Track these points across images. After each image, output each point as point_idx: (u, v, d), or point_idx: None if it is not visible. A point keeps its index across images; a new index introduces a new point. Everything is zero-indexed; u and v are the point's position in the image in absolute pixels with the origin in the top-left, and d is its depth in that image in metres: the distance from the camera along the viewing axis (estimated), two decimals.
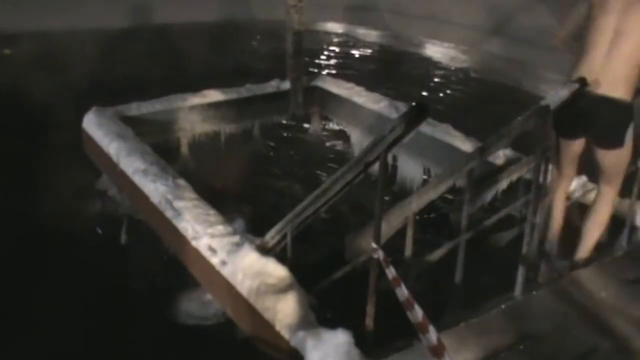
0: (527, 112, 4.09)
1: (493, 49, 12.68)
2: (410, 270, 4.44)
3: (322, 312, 3.88)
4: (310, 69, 9.71)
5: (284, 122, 7.76)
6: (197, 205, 4.75)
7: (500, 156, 5.72)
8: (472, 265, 4.53)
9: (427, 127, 6.31)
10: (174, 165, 5.72)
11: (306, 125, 7.96)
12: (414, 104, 3.19)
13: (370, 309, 3.51)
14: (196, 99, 6.99)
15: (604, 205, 4.69)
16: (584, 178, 5.48)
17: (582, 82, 4.30)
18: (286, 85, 7.56)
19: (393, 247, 4.11)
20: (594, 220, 4.73)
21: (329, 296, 4.21)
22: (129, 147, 5.63)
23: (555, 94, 4.24)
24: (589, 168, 5.59)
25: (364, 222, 4.52)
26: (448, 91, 10.70)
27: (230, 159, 6.86)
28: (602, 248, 5.15)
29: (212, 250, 4.24)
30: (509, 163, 5.56)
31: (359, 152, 3.59)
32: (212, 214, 4.64)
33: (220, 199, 5.29)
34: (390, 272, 3.32)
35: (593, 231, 4.74)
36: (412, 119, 3.11)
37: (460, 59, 12.64)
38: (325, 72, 10.74)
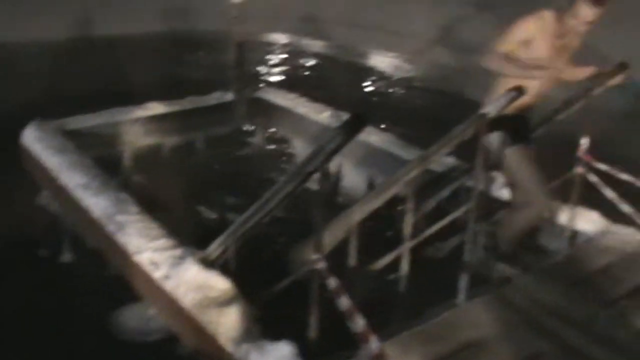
0: (466, 120, 4.16)
1: (437, 58, 12.86)
2: (353, 280, 4.47)
3: (265, 324, 3.89)
4: (254, 80, 9.69)
5: (228, 134, 7.71)
6: (139, 219, 4.72)
7: (442, 164, 5.80)
8: (416, 274, 4.59)
9: (371, 137, 6.37)
10: (117, 179, 5.66)
11: (250, 137, 7.94)
12: (352, 114, 3.22)
13: (312, 320, 3.53)
14: (139, 112, 6.96)
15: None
16: None
17: (519, 90, 4.40)
18: (229, 97, 7.56)
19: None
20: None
21: (273, 308, 4.22)
22: (69, 161, 5.57)
23: (493, 103, 4.32)
24: None
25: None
26: (391, 100, 10.79)
27: (174, 172, 6.81)
28: (543, 252, 5.28)
29: (155, 264, 4.21)
30: (451, 170, 5.64)
31: (299, 163, 3.61)
32: (155, 228, 4.61)
33: (163, 212, 5.27)
34: (332, 282, 3.34)
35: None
36: (351, 128, 3.14)
37: (405, 69, 12.78)
38: (269, 83, 10.78)
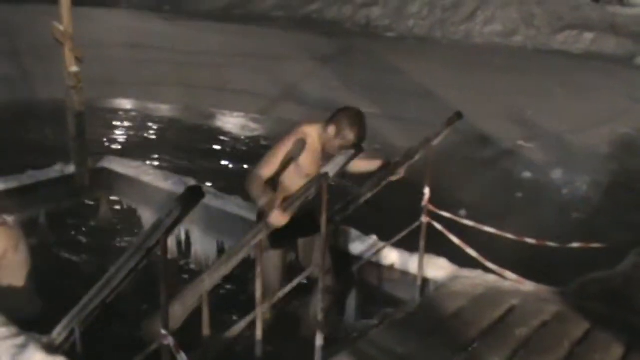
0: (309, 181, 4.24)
1: (284, 114, 13.07)
2: (207, 351, 4.41)
3: None
4: (97, 150, 9.47)
5: (72, 208, 7.47)
6: None
7: None
8: (272, 337, 4.58)
9: (217, 201, 6.36)
10: None
11: (95, 210, 7.73)
12: (188, 187, 3.23)
13: None
14: None
15: None
16: (374, 237, 5.73)
17: (357, 148, 4.55)
18: (71, 169, 7.34)
19: None
20: None
21: None
22: None
23: (333, 161, 4.45)
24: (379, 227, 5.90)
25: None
26: (238, 159, 10.84)
27: None
28: (396, 303, 5.40)
29: None
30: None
31: (137, 238, 3.55)
32: None
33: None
34: (182, 358, 3.28)
35: None
36: (188, 201, 3.14)
37: (251, 127, 12.90)
38: (112, 151, 10.56)
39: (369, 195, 5.25)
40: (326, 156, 4.78)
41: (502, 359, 4.19)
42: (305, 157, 4.72)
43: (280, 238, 4.81)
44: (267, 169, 4.65)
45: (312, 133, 4.74)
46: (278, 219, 4.25)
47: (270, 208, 4.31)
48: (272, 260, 5.06)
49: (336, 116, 4.72)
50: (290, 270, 5.18)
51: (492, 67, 15.68)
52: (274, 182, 4.78)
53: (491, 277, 5.26)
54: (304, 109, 13.02)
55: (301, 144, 4.68)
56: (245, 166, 10.27)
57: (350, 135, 4.64)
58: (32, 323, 4.82)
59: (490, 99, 12.67)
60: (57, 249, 7.02)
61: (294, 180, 4.73)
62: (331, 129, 4.67)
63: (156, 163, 7.81)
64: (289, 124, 12.33)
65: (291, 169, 4.73)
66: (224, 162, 10.80)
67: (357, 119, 4.69)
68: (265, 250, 4.71)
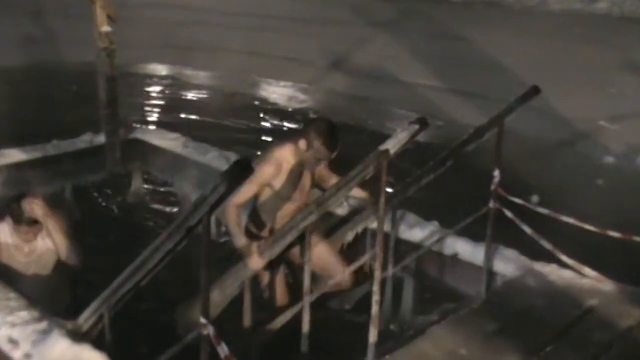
0: (366, 158, 4.20)
1: (334, 85, 13.02)
2: (248, 343, 4.42)
3: None
4: (129, 119, 9.54)
5: (101, 181, 7.54)
6: None
7: (344, 206, 5.83)
8: (319, 330, 4.57)
9: None
10: None
11: (126, 185, 7.80)
12: (236, 160, 3.21)
13: None
14: None
15: None
16: (435, 224, 5.68)
17: (422, 122, 4.49)
18: (101, 139, 7.40)
19: None
20: None
21: None
22: None
23: (394, 137, 4.39)
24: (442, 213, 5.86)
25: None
26: (285, 136, 10.83)
27: None
28: (459, 299, 5.35)
29: (13, 342, 4.03)
30: (354, 213, 5.67)
31: (179, 216, 3.55)
32: (13, 298, 4.43)
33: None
34: (222, 349, 3.29)
35: None
36: (235, 176, 3.12)
37: (299, 99, 12.89)
38: (146, 121, 10.67)
39: (431, 176, 5.19)
40: (307, 167, 5.03)
41: None
42: (282, 181, 4.95)
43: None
44: (241, 198, 4.85)
45: (286, 155, 4.96)
46: (257, 264, 4.53)
47: (248, 252, 4.54)
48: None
49: (304, 130, 4.94)
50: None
51: (571, 37, 15.38)
52: (255, 209, 5.12)
53: (567, 273, 5.17)
54: (357, 80, 12.97)
55: (274, 172, 4.92)
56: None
57: (321, 148, 4.84)
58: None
59: (567, 74, 12.43)
60: (83, 227, 7.09)
61: (276, 205, 5.05)
62: (302, 144, 4.88)
63: (193, 135, 7.79)
64: (340, 97, 12.46)
65: (271, 194, 5.00)
66: (268, 137, 10.81)
67: (325, 129, 4.88)
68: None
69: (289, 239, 4.45)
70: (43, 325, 4.12)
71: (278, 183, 4.94)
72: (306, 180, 5.10)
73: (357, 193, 5.20)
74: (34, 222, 5.01)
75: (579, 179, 9.11)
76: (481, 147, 5.17)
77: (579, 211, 5.66)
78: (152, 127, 8.04)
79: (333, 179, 5.14)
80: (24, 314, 4.25)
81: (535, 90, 5.15)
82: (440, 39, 14.90)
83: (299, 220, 4.29)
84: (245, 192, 4.83)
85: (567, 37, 14.86)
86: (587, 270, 5.15)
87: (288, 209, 5.04)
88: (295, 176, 5.00)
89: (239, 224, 4.85)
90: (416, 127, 4.42)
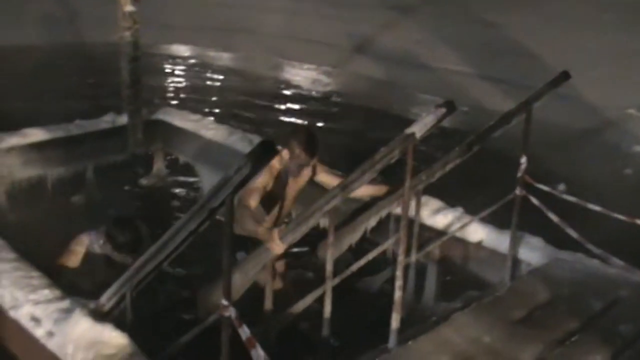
0: (392, 141, 4.19)
1: (359, 69, 12.98)
2: (270, 326, 4.44)
3: None
4: (152, 100, 9.58)
5: (123, 162, 7.57)
6: (16, 267, 4.57)
7: None
8: (341, 315, 4.58)
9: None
10: None
11: (148, 166, 7.83)
12: (261, 141, 3.21)
13: None
14: (14, 139, 6.76)
15: None
16: (460, 210, 5.66)
17: (449, 106, 4.47)
18: (123, 119, 7.43)
19: None
20: None
21: None
22: None
23: (420, 121, 4.37)
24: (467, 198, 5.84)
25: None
26: (308, 118, 10.83)
27: (59, 209, 6.65)
28: (483, 286, 5.34)
29: (36, 320, 4.08)
30: (377, 197, 5.66)
31: (202, 197, 3.56)
32: (36, 277, 4.47)
33: (46, 258, 5.13)
34: (244, 332, 3.30)
35: None
36: (259, 157, 3.12)
37: (323, 82, 12.88)
38: (169, 102, 10.68)
39: (457, 162, 5.17)
40: (291, 174, 5.29)
41: (604, 358, 4.09)
42: (272, 184, 5.22)
43: None
44: (253, 201, 5.03)
45: (275, 163, 5.19)
46: (279, 248, 4.51)
47: (269, 238, 4.53)
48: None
49: (286, 140, 5.20)
50: None
51: (602, 23, 15.24)
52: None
53: (594, 263, 5.13)
54: (382, 64, 12.92)
55: (269, 178, 5.19)
56: (319, 124, 10.29)
57: (302, 155, 5.12)
58: None
59: (597, 61, 12.32)
60: (105, 207, 7.14)
61: (265, 210, 5.26)
62: (285, 154, 5.16)
63: (215, 117, 7.81)
64: (364, 80, 12.43)
65: (265, 196, 5.18)
66: (291, 119, 10.81)
67: (305, 138, 5.18)
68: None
69: (311, 222, 4.46)
70: (65, 304, 4.18)
71: (270, 187, 5.19)
72: (292, 186, 5.38)
73: (376, 191, 5.40)
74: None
75: (607, 167, 9.04)
76: (508, 133, 5.14)
77: (606, 200, 5.62)
78: (174, 108, 8.01)
79: (334, 179, 5.38)
80: (47, 292, 4.30)
81: (565, 76, 5.11)
82: (468, 24, 14.79)
83: (322, 204, 4.29)
84: (254, 198, 5.03)
85: (598, 24, 14.70)
86: (615, 260, 5.11)
87: (275, 214, 5.33)
88: (282, 183, 5.28)
89: (255, 217, 4.92)
90: (443, 110, 4.39)
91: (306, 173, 5.37)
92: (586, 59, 11.96)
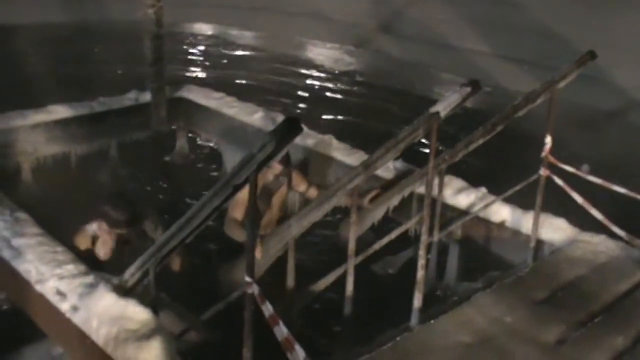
0: (415, 120, 4.18)
1: (382, 48, 12.94)
2: (292, 303, 4.46)
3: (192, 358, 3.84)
4: (175, 78, 9.60)
5: (146, 139, 7.61)
6: (41, 242, 4.61)
7: (390, 169, 5.83)
8: (363, 294, 4.60)
9: (307, 140, 6.36)
10: (13, 196, 5.51)
11: (171, 143, 7.86)
12: (286, 118, 3.21)
13: (246, 353, 3.49)
14: (39, 116, 6.79)
15: None
16: (483, 190, 5.65)
17: (474, 85, 4.45)
18: (147, 97, 7.45)
19: None
20: None
21: (202, 338, 4.18)
22: None
23: (445, 100, 4.36)
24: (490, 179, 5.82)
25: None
26: (331, 98, 10.81)
27: (83, 185, 6.68)
28: (505, 266, 5.33)
29: (61, 294, 4.12)
30: (400, 177, 5.66)
31: (226, 174, 3.57)
32: (61, 252, 4.51)
33: (70, 234, 5.16)
34: (267, 309, 3.32)
35: None
36: (284, 135, 3.12)
37: (346, 61, 12.84)
38: (192, 80, 10.68)
39: (480, 141, 5.16)
40: (272, 186, 5.41)
41: (627, 340, 4.07)
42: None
43: None
44: (239, 213, 5.14)
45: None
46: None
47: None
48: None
49: None
50: None
51: (628, 4, 15.08)
52: None
53: (617, 245, 5.10)
54: (405, 43, 12.87)
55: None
56: (342, 103, 10.26)
57: (277, 166, 5.16)
58: None
59: (622, 42, 12.20)
60: (128, 184, 7.19)
61: None
62: None
63: (239, 95, 7.80)
64: (387, 59, 12.38)
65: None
66: (314, 99, 10.80)
67: None
68: None
69: (334, 201, 4.47)
70: (90, 279, 4.21)
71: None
72: (277, 196, 5.47)
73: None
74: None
75: (632, 149, 8.98)
76: (532, 113, 5.12)
77: (630, 182, 5.59)
78: (197, 86, 8.03)
79: (312, 190, 5.60)
80: (71, 267, 4.33)
81: (591, 55, 5.06)
82: (493, 4, 14.68)
83: (346, 182, 4.30)
84: (240, 210, 5.11)
85: (624, 4, 14.53)
86: (638, 242, 5.09)
87: (263, 224, 5.42)
88: (267, 194, 5.38)
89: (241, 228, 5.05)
90: (468, 89, 4.36)
91: (284, 183, 5.46)
92: (612, 40, 11.84)
